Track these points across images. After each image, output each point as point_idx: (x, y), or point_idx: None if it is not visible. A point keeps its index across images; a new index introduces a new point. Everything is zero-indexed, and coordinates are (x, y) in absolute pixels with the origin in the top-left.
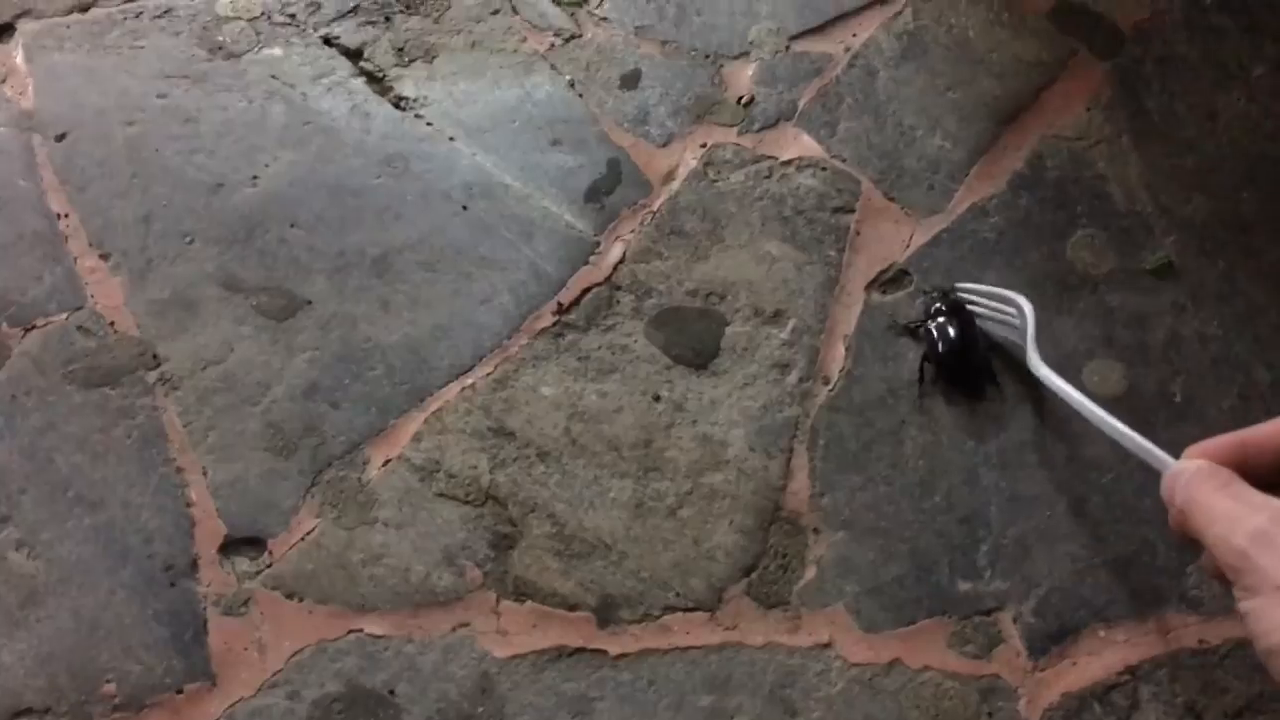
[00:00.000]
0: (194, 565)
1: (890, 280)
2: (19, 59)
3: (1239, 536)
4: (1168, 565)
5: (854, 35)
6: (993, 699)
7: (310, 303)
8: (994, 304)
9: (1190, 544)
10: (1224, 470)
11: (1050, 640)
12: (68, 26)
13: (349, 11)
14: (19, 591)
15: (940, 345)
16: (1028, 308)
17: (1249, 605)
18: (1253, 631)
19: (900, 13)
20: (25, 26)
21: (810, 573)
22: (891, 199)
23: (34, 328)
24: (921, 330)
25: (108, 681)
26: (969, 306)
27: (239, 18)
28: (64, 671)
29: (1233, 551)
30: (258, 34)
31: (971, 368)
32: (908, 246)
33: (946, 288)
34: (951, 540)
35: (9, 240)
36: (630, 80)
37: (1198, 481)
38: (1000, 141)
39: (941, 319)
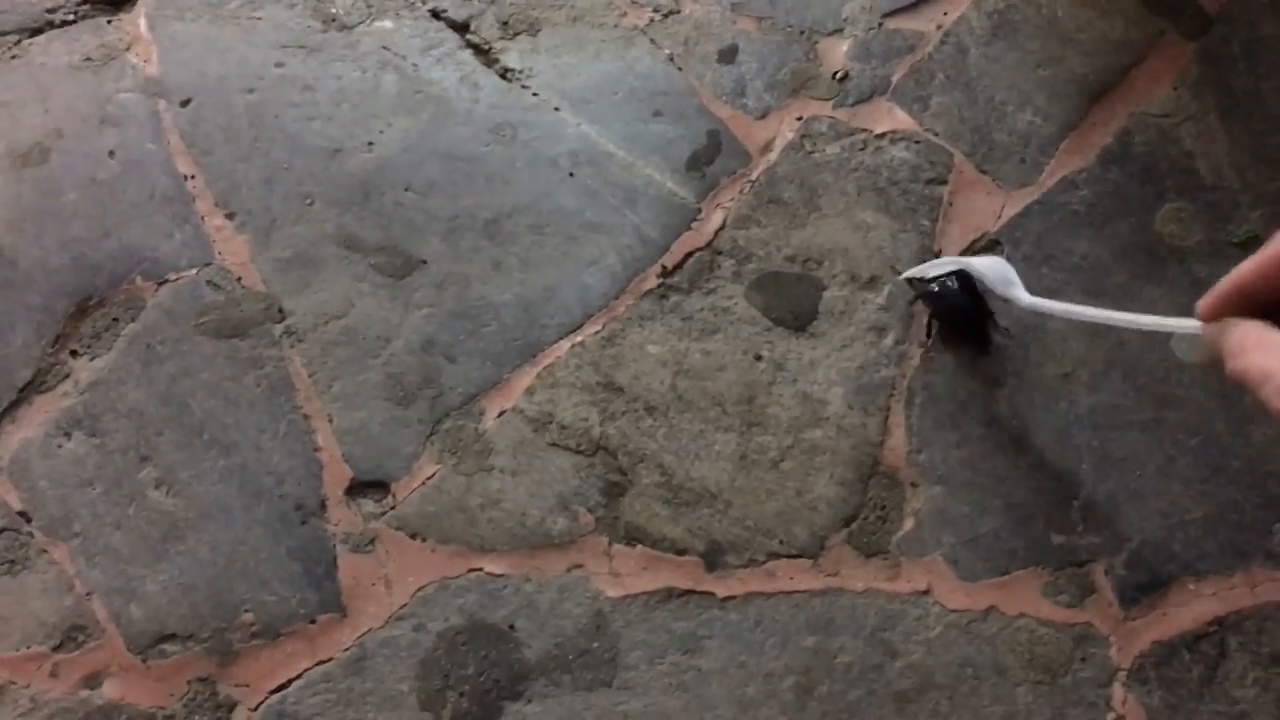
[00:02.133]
0: (323, 505)
1: (983, 249)
2: (143, 27)
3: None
4: (1254, 523)
5: (945, 14)
6: (1085, 645)
7: (425, 262)
8: (940, 274)
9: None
10: (1255, 325)
11: (1141, 591)
12: None
13: None
14: (159, 526)
15: (945, 300)
16: (976, 263)
17: None
18: None
19: None
20: None
21: (908, 524)
22: (983, 171)
23: (166, 281)
24: (928, 290)
25: (245, 611)
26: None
27: None
28: (204, 601)
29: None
30: (369, 7)
31: (975, 320)
32: (999, 217)
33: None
34: (1045, 495)
35: (140, 199)
36: (727, 55)
37: (1235, 351)
38: (1089, 117)
39: (946, 280)
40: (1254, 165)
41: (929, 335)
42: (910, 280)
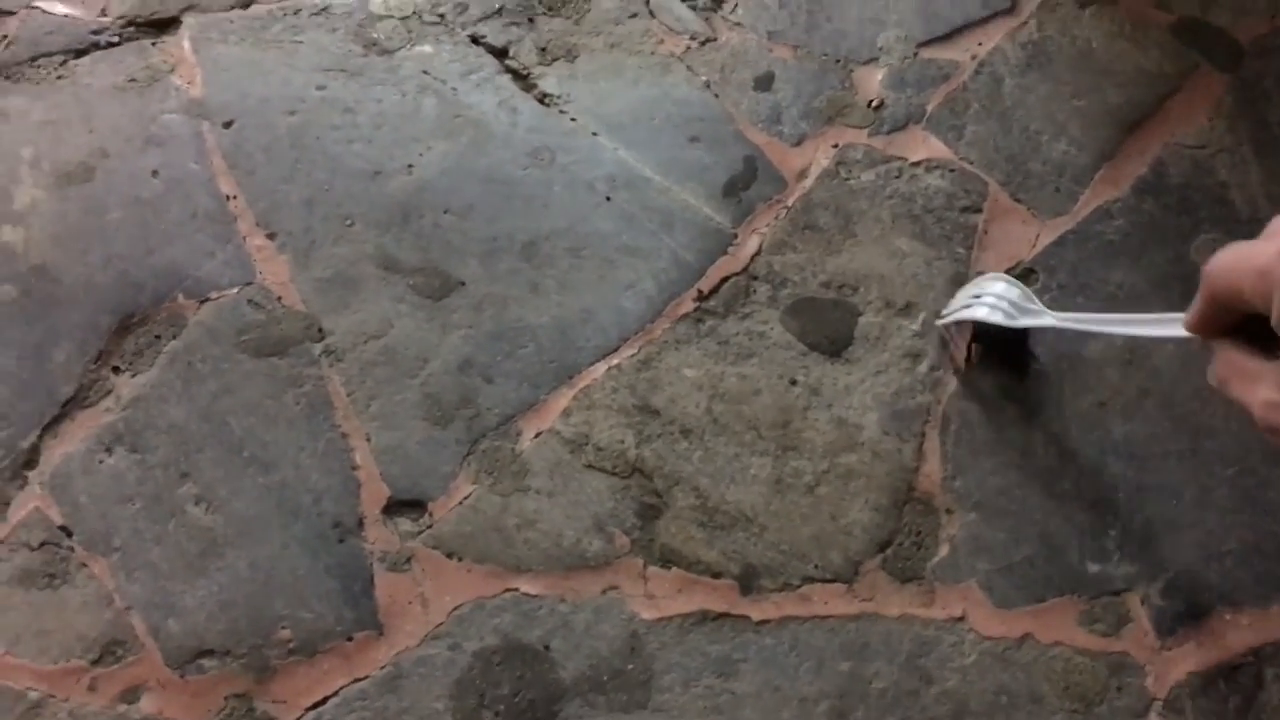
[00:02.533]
0: (360, 524)
1: (1018, 278)
2: (187, 49)
3: (1270, 415)
4: None
5: (980, 44)
6: (1121, 674)
7: (463, 284)
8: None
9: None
10: (1227, 353)
11: (1177, 621)
12: (231, 21)
13: (494, 13)
14: (199, 542)
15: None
16: (983, 306)
17: None
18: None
19: (1025, 23)
20: (190, 20)
21: (944, 550)
22: (1018, 200)
23: (208, 300)
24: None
25: (283, 628)
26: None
27: (391, 16)
28: (242, 617)
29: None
30: (409, 32)
31: (1015, 344)
32: (1034, 246)
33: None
34: (1081, 524)
35: (183, 218)
36: (764, 82)
37: (1219, 373)
38: (1124, 148)
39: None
40: None
41: (969, 358)
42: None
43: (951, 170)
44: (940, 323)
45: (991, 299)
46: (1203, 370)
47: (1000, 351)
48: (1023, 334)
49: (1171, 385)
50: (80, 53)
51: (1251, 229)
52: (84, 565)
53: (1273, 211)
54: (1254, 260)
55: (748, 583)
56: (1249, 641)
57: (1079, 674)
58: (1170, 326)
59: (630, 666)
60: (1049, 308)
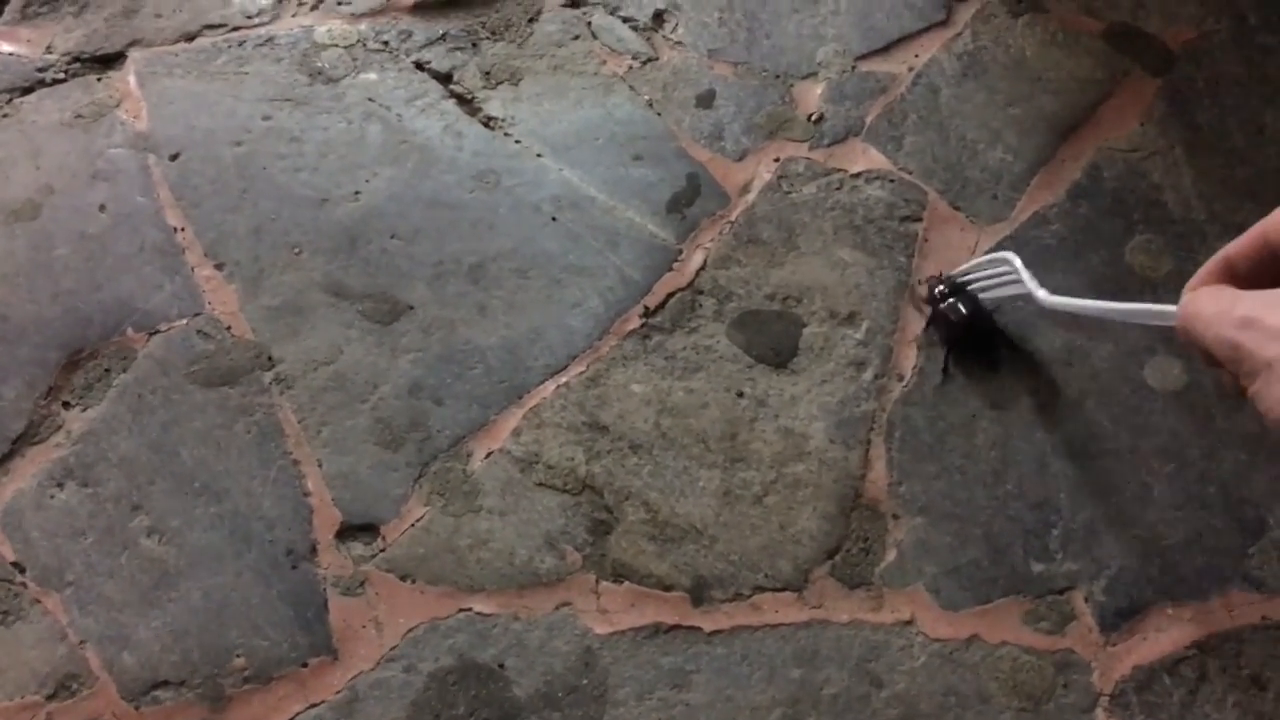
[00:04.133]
0: (313, 550)
1: (959, 285)
2: (132, 84)
3: (1227, 329)
4: (1230, 547)
5: (916, 56)
6: (1067, 671)
7: (412, 308)
8: (985, 273)
9: (1212, 363)
10: (1213, 286)
11: (1120, 617)
12: (175, 54)
13: (438, 39)
14: (151, 574)
15: (953, 319)
16: (1015, 258)
17: (1252, 390)
18: (1262, 413)
19: (960, 34)
20: (136, 54)
21: (891, 555)
22: (957, 208)
23: (157, 332)
24: (931, 314)
25: (237, 656)
26: (968, 285)
27: (336, 45)
28: (196, 647)
29: (1226, 345)
30: (354, 60)
31: (984, 336)
32: (973, 252)
33: (942, 275)
34: (1024, 525)
35: (131, 252)
36: (705, 100)
37: (1192, 303)
38: (1059, 154)
39: (948, 299)
40: (1220, 197)
41: (946, 370)
42: (939, 285)
43: (891, 180)
44: (951, 275)
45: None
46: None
47: (970, 345)
48: (992, 330)
49: (1110, 386)
50: (26, 90)
51: (1185, 229)
52: (37, 601)
53: (1205, 211)
54: None
55: (699, 594)
56: (1192, 635)
57: (1026, 672)
58: (1162, 316)
59: (585, 681)
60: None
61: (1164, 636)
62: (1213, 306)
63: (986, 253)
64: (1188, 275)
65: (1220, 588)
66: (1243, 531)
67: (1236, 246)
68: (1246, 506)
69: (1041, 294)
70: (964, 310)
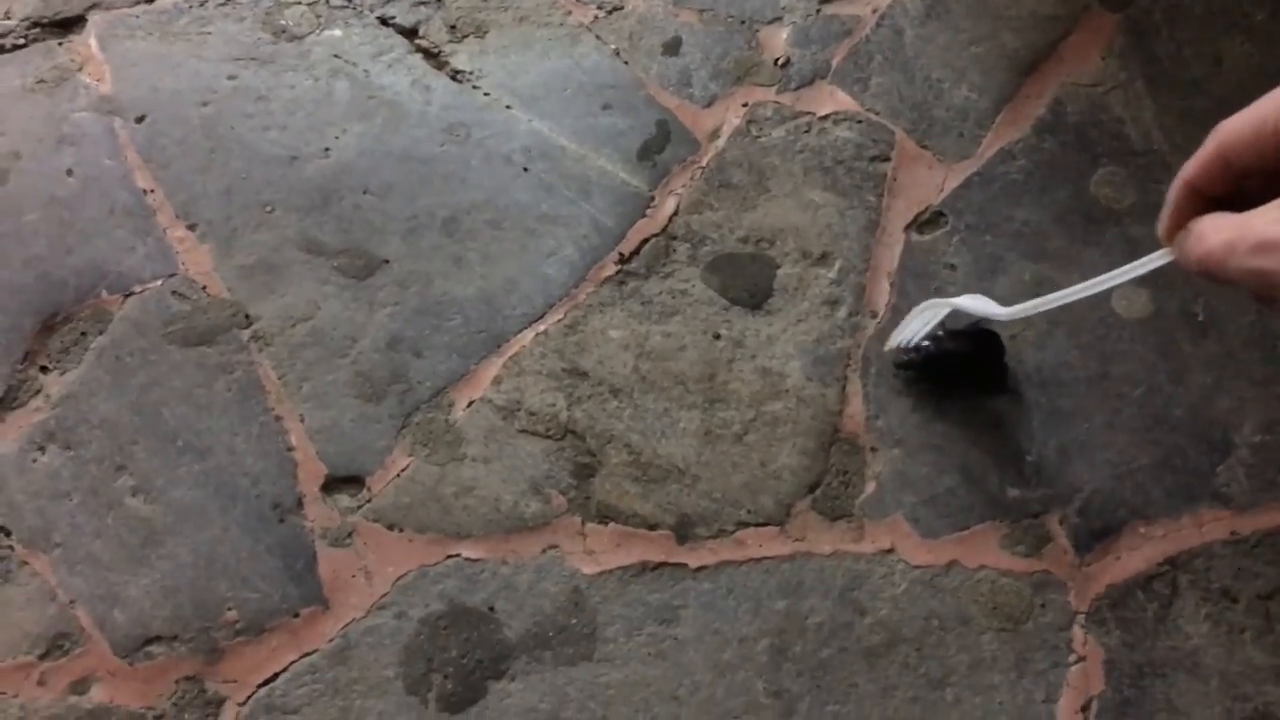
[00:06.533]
0: (299, 503)
1: (927, 221)
2: (94, 47)
3: (1247, 259)
4: (1198, 466)
5: None
6: (1044, 592)
7: (388, 262)
8: (925, 320)
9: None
10: (1209, 217)
11: (1094, 538)
12: (137, 16)
13: None
14: (139, 533)
15: (945, 355)
16: (960, 301)
17: None
18: None
19: None
20: (96, 17)
21: (870, 487)
22: (924, 147)
23: (132, 294)
24: (921, 354)
25: (229, 609)
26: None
27: (299, 2)
28: (188, 602)
29: (1250, 274)
30: (318, 17)
31: (988, 358)
32: (942, 190)
33: (900, 347)
34: (999, 452)
35: (101, 215)
36: (672, 47)
37: (1196, 241)
38: (1022, 90)
39: (929, 339)
40: (1181, 127)
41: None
42: (901, 353)
43: (859, 121)
44: (890, 347)
45: (953, 303)
46: (1104, 302)
47: (973, 372)
48: (994, 345)
49: (1080, 315)
50: None
51: (1147, 160)
52: (25, 563)
53: (1167, 142)
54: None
55: (683, 532)
56: (1164, 551)
57: (1004, 594)
58: (1147, 265)
59: (574, 621)
60: (958, 249)
61: (1137, 555)
62: (1219, 237)
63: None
64: (1152, 206)
65: (1190, 506)
66: (1210, 451)
67: (1196, 170)
68: (1213, 427)
69: (1002, 312)
70: (943, 336)
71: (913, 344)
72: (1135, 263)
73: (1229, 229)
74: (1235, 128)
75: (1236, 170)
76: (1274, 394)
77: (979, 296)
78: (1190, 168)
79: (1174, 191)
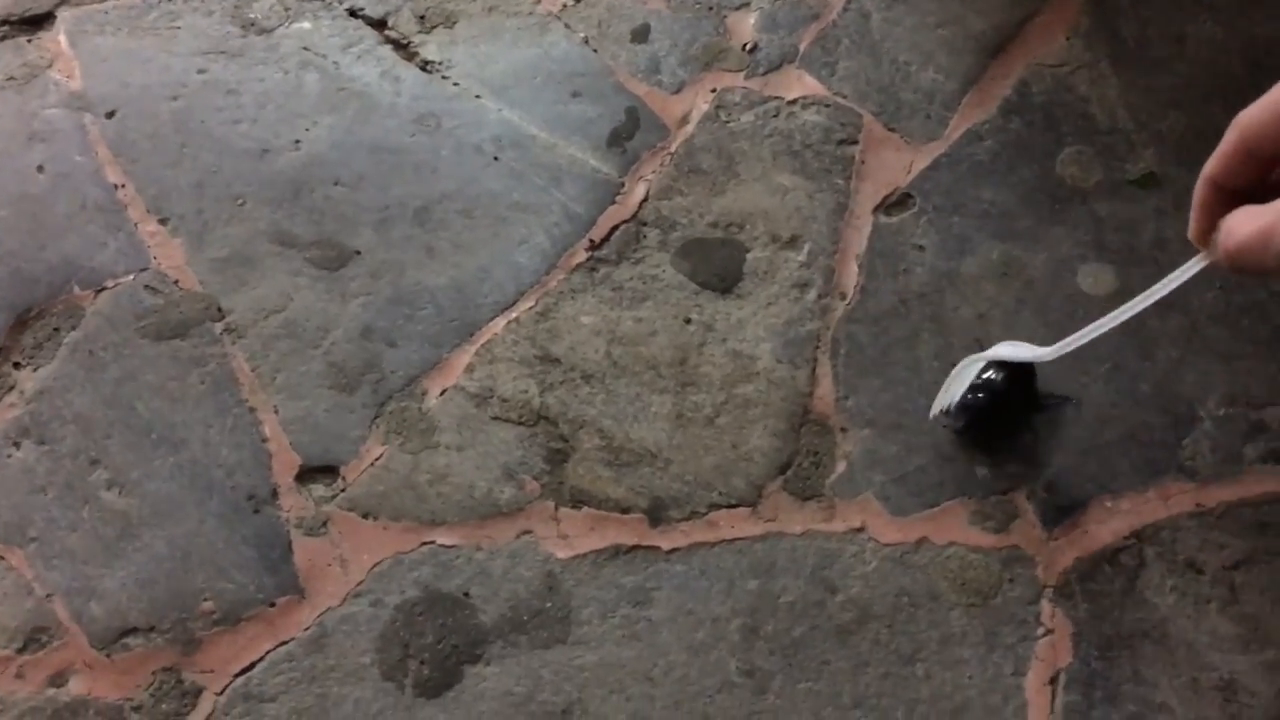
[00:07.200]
0: (274, 493)
1: (895, 204)
2: (64, 43)
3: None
4: (1164, 440)
5: None
6: (1013, 566)
7: (359, 253)
8: (964, 378)
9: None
10: (1241, 211)
11: (1061, 513)
12: (105, 12)
13: None
14: (114, 526)
15: (989, 399)
16: (996, 351)
17: None
18: None
19: None
20: (65, 14)
21: (840, 467)
22: (892, 129)
23: (104, 289)
24: (971, 412)
25: (205, 600)
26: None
27: None
28: (164, 594)
29: None
30: (286, 10)
31: (1024, 391)
32: (909, 172)
33: (945, 410)
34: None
35: (72, 211)
36: (640, 34)
37: (1230, 237)
38: (989, 72)
39: (970, 393)
40: (1145, 106)
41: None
42: (950, 418)
43: (827, 105)
44: (936, 414)
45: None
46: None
47: (1014, 406)
48: (1028, 378)
49: (1045, 294)
50: None
51: (1113, 140)
52: (1, 558)
53: (1132, 121)
54: None
55: (656, 515)
56: (1130, 524)
57: (973, 570)
58: (1188, 272)
59: (549, 605)
60: (926, 230)
61: (1103, 528)
62: (1252, 227)
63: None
64: (1116, 184)
65: (1155, 479)
66: (1175, 425)
67: (1219, 165)
68: (1179, 401)
69: (1045, 353)
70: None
71: (955, 405)
72: (1173, 274)
73: (1262, 218)
74: (1255, 117)
75: (1260, 160)
76: (1239, 368)
77: (1015, 343)
78: (1213, 164)
79: (1199, 192)
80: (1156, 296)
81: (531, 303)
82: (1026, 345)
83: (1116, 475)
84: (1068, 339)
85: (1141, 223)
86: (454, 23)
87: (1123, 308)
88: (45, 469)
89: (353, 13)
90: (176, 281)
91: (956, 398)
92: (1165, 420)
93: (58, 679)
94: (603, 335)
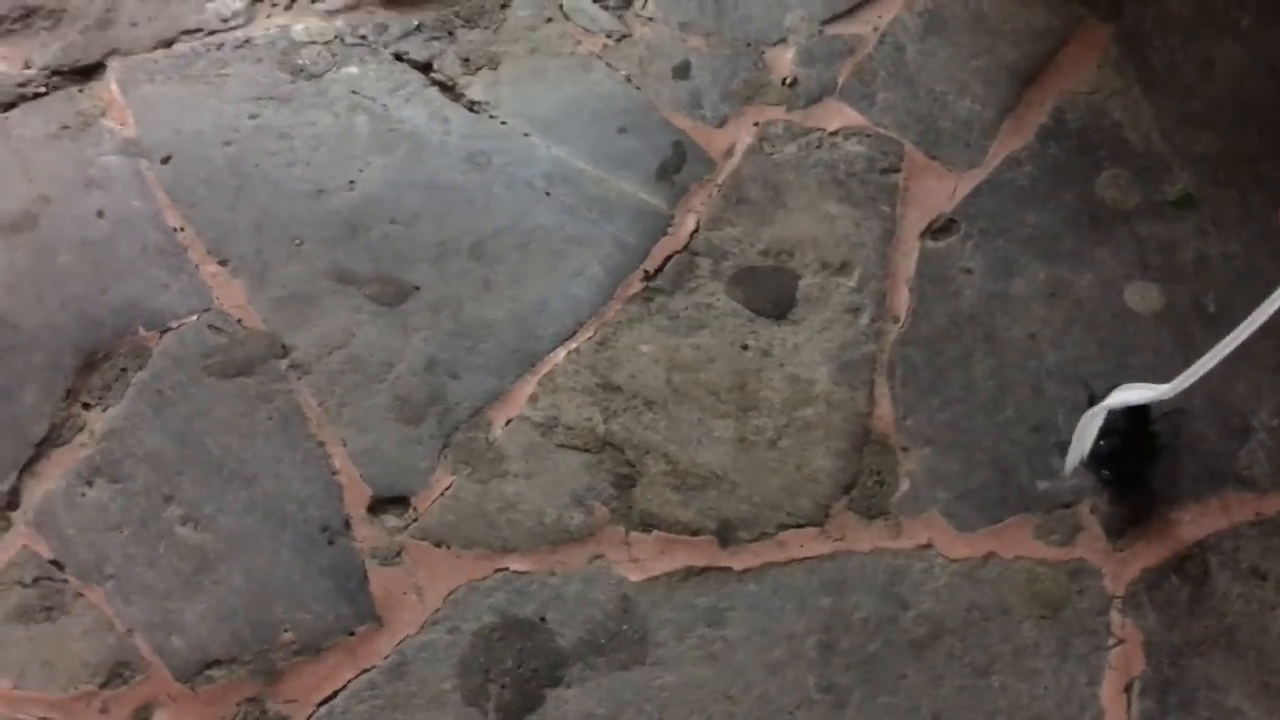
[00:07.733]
0: (347, 525)
1: (941, 229)
2: (115, 92)
3: None
4: (1221, 451)
5: (880, 16)
6: (1081, 578)
7: (418, 288)
8: (1091, 432)
9: None
10: None
11: (1126, 524)
12: (155, 61)
13: (414, 30)
14: (191, 560)
15: (1118, 446)
16: (1111, 399)
17: None
18: None
19: None
20: (115, 63)
21: (904, 485)
22: (933, 157)
23: (169, 329)
24: (1106, 461)
25: (285, 630)
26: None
27: (314, 41)
28: (244, 625)
29: None
30: (334, 55)
31: (1144, 435)
32: (953, 198)
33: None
34: (1027, 446)
35: (133, 254)
36: (681, 71)
37: None
38: (1024, 100)
39: (1101, 443)
40: (1178, 129)
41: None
42: (1090, 471)
43: (868, 136)
44: (1074, 467)
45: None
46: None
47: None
48: (1146, 423)
49: (1094, 313)
50: (8, 105)
51: (1148, 162)
52: (80, 595)
53: (1166, 144)
54: None
55: (726, 536)
56: (1194, 534)
57: (1042, 583)
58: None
59: (625, 627)
60: (973, 254)
61: (1167, 539)
62: None
63: None
64: (1155, 205)
65: (1216, 489)
66: (1230, 436)
67: None
68: (1232, 414)
69: (1167, 388)
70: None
71: (1087, 457)
72: (1275, 294)
73: None
74: None
75: None
76: None
77: (1130, 387)
78: None
79: None
80: (1265, 316)
81: (590, 333)
82: (1142, 386)
83: (1176, 486)
84: (1185, 373)
85: (1182, 242)
86: (497, 64)
87: (1234, 333)
88: (119, 506)
89: (398, 57)
90: (240, 320)
91: (1087, 450)
92: (1220, 432)
93: (142, 713)
94: (662, 363)
